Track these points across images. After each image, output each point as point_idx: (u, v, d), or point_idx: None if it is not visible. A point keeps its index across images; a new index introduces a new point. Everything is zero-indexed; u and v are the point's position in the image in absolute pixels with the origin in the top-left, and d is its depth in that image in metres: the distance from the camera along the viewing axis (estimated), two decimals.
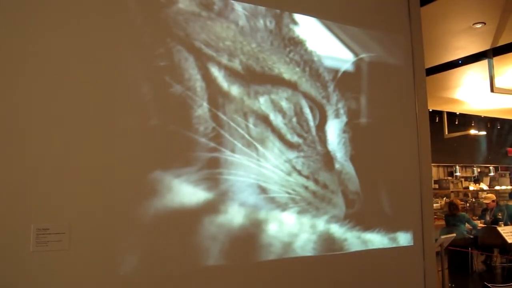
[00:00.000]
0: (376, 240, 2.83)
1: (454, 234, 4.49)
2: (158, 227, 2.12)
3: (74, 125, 2.02)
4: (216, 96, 2.35)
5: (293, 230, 2.49)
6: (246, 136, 2.39)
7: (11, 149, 1.89)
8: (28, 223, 1.87)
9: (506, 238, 5.71)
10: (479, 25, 4.80)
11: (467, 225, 7.13)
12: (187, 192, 2.19)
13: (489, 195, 8.34)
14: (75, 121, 2.02)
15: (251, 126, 2.41)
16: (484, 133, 11.17)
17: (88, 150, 2.03)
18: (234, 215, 2.30)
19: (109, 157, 2.07)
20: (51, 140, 1.97)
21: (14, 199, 1.87)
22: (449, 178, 11.37)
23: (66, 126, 2.00)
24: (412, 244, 3.04)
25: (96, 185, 2.03)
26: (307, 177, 2.55)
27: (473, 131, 10.37)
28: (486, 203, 8.18)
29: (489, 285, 3.08)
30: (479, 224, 7.60)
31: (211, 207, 2.25)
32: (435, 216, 7.15)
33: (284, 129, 2.52)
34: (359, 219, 2.74)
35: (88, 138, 2.04)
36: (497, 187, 10.98)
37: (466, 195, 10.85)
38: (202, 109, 2.30)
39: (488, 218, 7.78)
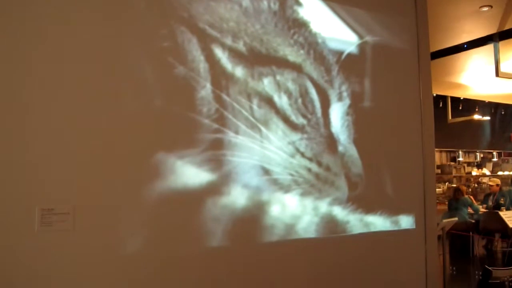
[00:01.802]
0: (378, 223, 2.84)
1: (456, 218, 4.50)
2: (161, 208, 2.14)
3: (78, 106, 2.02)
4: (220, 77, 2.34)
5: (296, 212, 2.50)
6: (250, 117, 2.39)
7: (16, 130, 1.89)
8: (33, 204, 1.89)
9: (508, 222, 5.73)
10: (485, 8, 4.74)
11: (469, 209, 7.15)
12: (190, 173, 2.20)
13: (494, 178, 8.34)
14: (79, 102, 2.02)
15: (255, 107, 2.41)
16: (488, 118, 11.12)
17: (92, 132, 2.04)
18: (237, 197, 2.31)
19: (112, 138, 2.08)
20: (56, 122, 1.97)
21: (19, 179, 1.88)
22: (452, 163, 11.38)
23: (70, 107, 2.00)
24: (414, 227, 3.05)
25: (100, 166, 2.03)
26: (310, 159, 2.55)
27: (477, 116, 10.33)
28: (490, 186, 8.17)
29: (489, 268, 3.10)
30: (481, 209, 7.63)
31: (214, 189, 2.26)
32: (437, 201, 7.17)
33: (287, 111, 2.51)
34: (362, 201, 2.75)
35: (91, 119, 2.04)
36: (499, 173, 10.98)
37: (468, 180, 10.86)
38: (206, 91, 2.29)
39: (490, 203, 7.80)
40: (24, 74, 1.93)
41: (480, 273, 3.21)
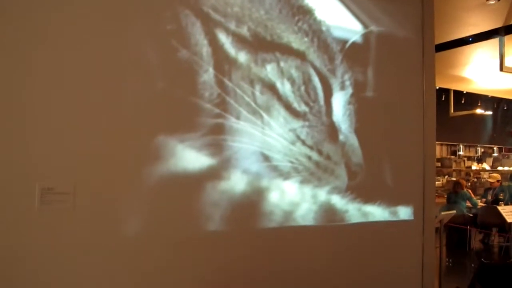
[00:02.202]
0: (377, 213, 2.85)
1: (454, 211, 4.52)
2: (161, 191, 2.14)
3: (81, 87, 2.01)
4: (223, 62, 2.33)
5: (295, 199, 2.50)
6: (252, 103, 2.38)
7: (17, 108, 1.89)
8: (33, 183, 1.89)
9: (506, 217, 5.74)
10: (492, 2, 4.70)
11: (467, 203, 7.17)
12: (190, 157, 2.20)
13: (495, 174, 8.34)
14: (82, 83, 2.01)
15: (257, 93, 2.40)
16: (490, 113, 11.09)
17: (94, 113, 2.03)
18: (237, 182, 2.32)
19: (114, 120, 2.07)
20: (57, 102, 1.96)
21: (20, 158, 1.87)
22: (452, 157, 11.38)
23: (72, 87, 1.99)
24: (412, 218, 3.06)
25: (101, 147, 2.03)
26: (310, 147, 2.55)
27: (479, 111, 10.30)
28: (490, 183, 8.19)
29: (486, 261, 3.12)
30: (480, 203, 7.64)
31: (214, 173, 2.26)
32: (436, 194, 7.16)
33: (290, 98, 2.50)
34: (361, 191, 2.75)
35: (93, 101, 2.03)
36: (499, 168, 10.99)
37: (468, 174, 10.86)
38: (208, 75, 2.28)
39: (490, 197, 7.81)
40: (24, 54, 1.91)
41: (477, 266, 3.22)
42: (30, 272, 1.86)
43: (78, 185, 1.97)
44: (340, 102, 2.72)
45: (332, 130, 2.65)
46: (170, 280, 2.16)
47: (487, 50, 6.38)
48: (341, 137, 2.69)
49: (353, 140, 2.75)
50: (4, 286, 1.82)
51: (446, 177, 10.09)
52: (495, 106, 11.69)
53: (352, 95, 2.79)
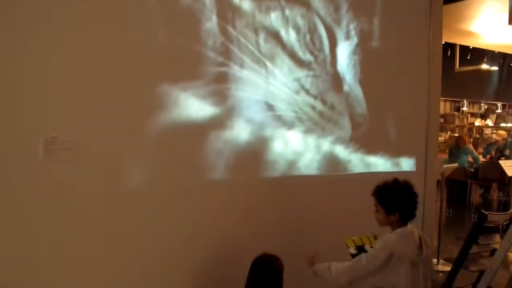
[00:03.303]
0: (379, 163, 2.86)
1: (456, 164, 4.54)
2: (164, 140, 2.14)
3: (83, 38, 1.96)
4: (226, 9, 2.28)
5: (298, 149, 2.51)
6: (256, 52, 2.35)
7: (20, 59, 1.85)
8: (37, 134, 1.88)
9: (507, 171, 5.76)
10: None
11: (469, 158, 7.18)
12: (194, 106, 2.19)
13: (501, 131, 8.29)
14: (84, 33, 1.97)
15: (261, 42, 2.36)
16: (496, 68, 10.93)
17: (97, 62, 2.00)
18: (240, 131, 2.32)
19: (117, 70, 2.04)
20: (60, 53, 1.92)
21: (23, 109, 1.86)
22: (456, 113, 11.31)
23: (74, 39, 1.95)
24: (415, 170, 3.08)
25: (104, 97, 2.01)
26: (314, 97, 2.54)
27: (485, 66, 10.15)
28: (496, 139, 8.15)
29: (485, 212, 3.15)
30: (481, 158, 7.66)
31: (218, 122, 2.26)
32: (438, 149, 7.14)
33: (294, 47, 2.46)
34: (364, 142, 2.76)
35: (96, 51, 1.99)
36: (502, 124, 10.94)
37: (470, 130, 10.83)
38: (211, 23, 2.24)
39: (493, 153, 7.80)
40: (24, 5, 1.87)
41: (476, 216, 3.27)
42: (34, 222, 1.89)
43: (81, 136, 1.96)
44: (345, 52, 2.68)
45: (336, 80, 2.63)
46: (174, 229, 2.20)
47: (496, 3, 6.22)
48: (345, 87, 2.67)
49: (358, 91, 2.73)
50: (9, 236, 1.85)
51: (448, 133, 10.07)
52: (501, 62, 11.51)
53: (357, 45, 2.75)
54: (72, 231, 1.95)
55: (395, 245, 1.74)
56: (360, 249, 1.86)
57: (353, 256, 1.85)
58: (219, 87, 2.26)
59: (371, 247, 1.86)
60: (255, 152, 2.38)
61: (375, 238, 1.91)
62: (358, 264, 1.78)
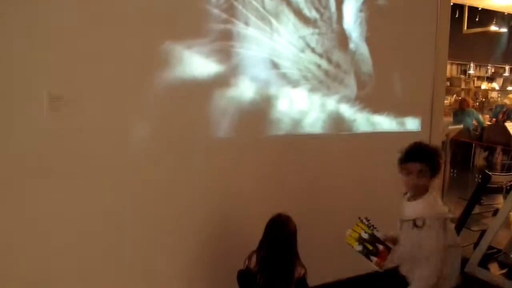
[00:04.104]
0: (385, 123, 2.85)
1: (461, 126, 4.52)
2: (169, 98, 2.12)
3: None
4: None
5: (303, 107, 2.50)
6: (260, 8, 2.30)
7: (24, 16, 1.81)
8: (41, 90, 1.87)
9: None
10: None
11: (474, 122, 7.15)
12: (198, 63, 2.17)
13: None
14: None
15: None
16: (505, 30, 10.72)
17: (100, 19, 1.96)
18: (245, 89, 2.30)
19: (121, 27, 2.01)
20: (63, 10, 1.88)
21: (27, 66, 1.84)
22: (462, 76, 11.16)
23: None
24: (420, 130, 3.07)
25: (107, 54, 1.99)
26: (320, 55, 2.50)
27: (493, 28, 9.96)
28: (505, 103, 8.09)
29: (489, 173, 3.17)
30: (486, 122, 7.62)
31: (222, 80, 2.24)
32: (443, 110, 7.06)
33: (299, 4, 2.41)
34: (370, 101, 2.74)
35: (99, 7, 1.96)
36: (509, 88, 10.82)
37: (476, 93, 10.72)
38: None
39: (500, 116, 7.75)
40: None
41: (480, 176, 3.28)
42: (39, 177, 1.90)
43: (85, 92, 1.95)
44: (351, 9, 2.63)
45: (342, 38, 2.59)
46: (178, 186, 2.22)
47: None
48: (351, 45, 2.63)
49: (364, 49, 2.69)
50: (13, 189, 1.86)
51: (454, 96, 9.98)
52: (510, 24, 11.27)
53: (364, 3, 2.69)
54: (76, 182, 1.97)
55: (439, 209, 1.77)
56: (361, 241, 1.84)
57: (361, 252, 1.80)
58: (224, 44, 2.22)
59: (366, 233, 1.82)
60: (260, 111, 2.37)
61: (363, 222, 1.83)
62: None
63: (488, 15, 10.03)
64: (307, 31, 2.45)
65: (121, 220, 2.09)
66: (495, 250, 3.38)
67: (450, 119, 7.32)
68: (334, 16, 2.54)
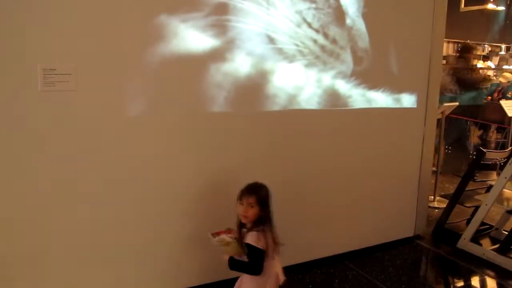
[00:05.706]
0: (380, 99, 2.85)
1: (457, 103, 4.51)
2: (164, 72, 2.11)
3: None
4: None
5: (299, 83, 2.48)
6: None
7: None
8: (35, 63, 1.85)
9: (507, 111, 5.76)
10: None
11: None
12: (193, 38, 2.14)
13: (507, 74, 8.18)
14: None
15: None
16: (502, 8, 10.65)
17: None
18: (241, 64, 2.28)
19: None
20: None
21: (20, 40, 1.81)
22: (458, 54, 11.11)
23: None
24: (415, 106, 3.07)
25: (101, 27, 1.96)
26: (316, 30, 2.48)
27: (491, 6, 9.88)
28: (500, 82, 8.07)
29: (483, 149, 3.18)
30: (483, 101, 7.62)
31: (218, 55, 2.22)
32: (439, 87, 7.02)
33: None
34: (366, 77, 2.73)
35: None
36: (505, 67, 10.80)
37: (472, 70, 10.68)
38: None
39: (495, 95, 7.75)
40: None
41: (474, 153, 3.30)
42: (33, 152, 1.90)
43: (80, 66, 1.93)
44: None
45: (339, 13, 2.56)
46: (174, 160, 2.22)
47: None
48: (348, 21, 2.60)
49: (360, 25, 2.66)
50: (9, 162, 1.87)
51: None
52: (508, 2, 11.18)
53: None
54: (72, 156, 1.97)
55: None
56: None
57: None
58: (219, 18, 2.19)
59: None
60: (255, 85, 2.35)
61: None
62: None
63: None
64: (303, 6, 2.42)
65: (118, 197, 2.10)
66: (487, 226, 3.43)
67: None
68: None
